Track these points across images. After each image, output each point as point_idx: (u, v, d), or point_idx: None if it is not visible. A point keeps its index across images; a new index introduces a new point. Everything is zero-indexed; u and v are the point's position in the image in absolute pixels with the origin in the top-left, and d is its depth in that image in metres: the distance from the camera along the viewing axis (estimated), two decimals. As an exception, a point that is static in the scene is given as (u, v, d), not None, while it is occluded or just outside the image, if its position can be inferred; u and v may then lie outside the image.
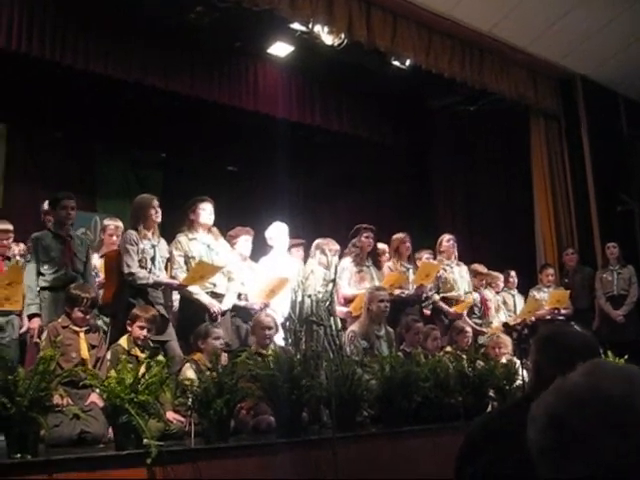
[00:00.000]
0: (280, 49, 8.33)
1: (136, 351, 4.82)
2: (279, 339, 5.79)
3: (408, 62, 8.15)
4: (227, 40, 8.13)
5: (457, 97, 9.63)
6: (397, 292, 6.80)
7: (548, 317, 7.86)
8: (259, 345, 5.46)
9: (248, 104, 8.39)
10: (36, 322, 5.29)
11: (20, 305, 5.82)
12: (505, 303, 8.19)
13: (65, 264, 5.45)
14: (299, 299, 5.59)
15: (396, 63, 8.21)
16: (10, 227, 6.22)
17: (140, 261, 5.39)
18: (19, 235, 6.40)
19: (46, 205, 6.34)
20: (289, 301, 5.78)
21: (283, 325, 5.78)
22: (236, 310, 6.03)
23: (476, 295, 7.67)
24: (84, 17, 7.11)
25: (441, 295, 7.35)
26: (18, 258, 6.22)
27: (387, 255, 7.48)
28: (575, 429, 1.15)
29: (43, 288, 5.38)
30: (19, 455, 3.35)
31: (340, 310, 6.38)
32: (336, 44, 7.41)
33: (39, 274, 5.40)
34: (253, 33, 8.03)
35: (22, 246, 6.39)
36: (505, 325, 6.95)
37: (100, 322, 5.58)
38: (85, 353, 4.78)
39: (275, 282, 6.09)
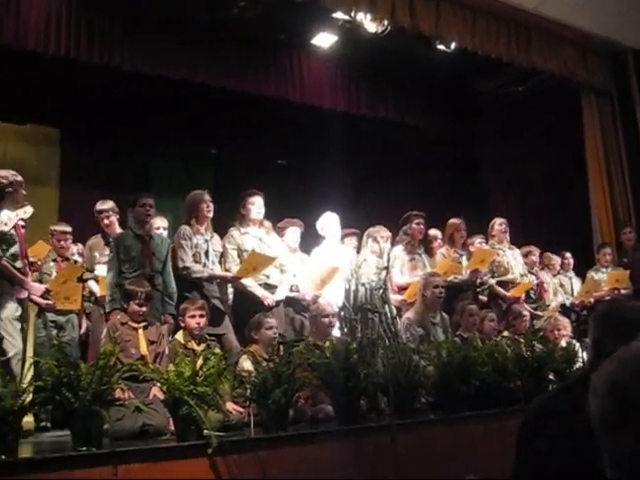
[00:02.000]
0: (324, 39, 8.35)
1: (192, 344, 4.91)
2: (335, 329, 5.81)
3: (453, 45, 8.06)
4: (271, 33, 8.16)
5: (505, 78, 9.50)
6: (451, 278, 6.74)
7: (607, 298, 7.70)
8: (320, 334, 5.47)
9: (294, 96, 8.41)
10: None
11: (79, 305, 5.98)
12: (562, 286, 8.05)
13: (144, 264, 5.55)
14: (353, 288, 5.59)
15: (441, 47, 8.14)
16: (68, 229, 6.37)
17: (194, 255, 5.48)
18: (76, 236, 6.55)
19: (99, 205, 6.47)
20: (342, 291, 5.80)
21: (338, 314, 5.79)
22: (289, 302, 6.08)
23: (532, 277, 7.55)
24: (130, 18, 7.23)
25: (496, 279, 7.26)
26: (76, 258, 6.37)
27: (439, 242, 7.38)
28: (635, 397, 1.13)
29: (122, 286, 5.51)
30: (84, 448, 3.44)
31: (394, 298, 6.36)
32: (379, 31, 7.37)
33: (120, 272, 5.52)
34: (296, 25, 8.06)
35: (80, 246, 6.54)
36: (563, 307, 6.83)
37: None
38: (144, 349, 4.89)
39: (325, 272, 6.10)
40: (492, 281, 7.22)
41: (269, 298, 5.67)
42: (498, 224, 7.51)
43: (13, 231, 5.08)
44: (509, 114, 10.05)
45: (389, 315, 5.74)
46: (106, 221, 6.23)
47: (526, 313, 6.79)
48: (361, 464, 4.22)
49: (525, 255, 7.62)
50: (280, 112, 8.83)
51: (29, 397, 3.45)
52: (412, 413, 4.83)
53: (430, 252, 7.22)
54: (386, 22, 7.24)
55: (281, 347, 5.14)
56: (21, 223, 5.00)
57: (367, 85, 9.01)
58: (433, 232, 7.40)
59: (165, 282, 5.47)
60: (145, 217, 5.67)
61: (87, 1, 7.06)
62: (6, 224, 4.74)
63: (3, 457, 3.24)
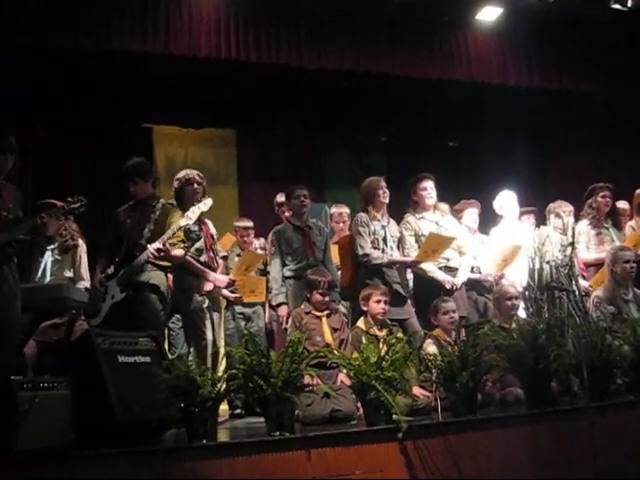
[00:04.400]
0: (489, 13, 8.11)
1: (375, 330, 4.95)
2: (519, 309, 5.63)
3: (630, 2, 7.51)
4: (434, 14, 8.05)
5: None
6: (642, 251, 6.31)
7: None
8: (504, 316, 5.36)
9: (462, 75, 8.21)
10: (284, 310, 5.61)
11: (264, 296, 6.20)
12: None
13: (306, 254, 5.70)
14: (537, 266, 5.38)
15: (616, 6, 7.62)
16: (250, 224, 6.64)
17: (372, 242, 5.51)
18: (257, 230, 6.80)
19: (279, 198, 6.67)
20: (526, 270, 5.60)
21: (522, 294, 5.60)
22: (471, 283, 5.96)
23: None
24: (292, 15, 7.40)
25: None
26: (259, 251, 6.60)
27: (628, 214, 6.94)
28: None
29: (288, 277, 5.69)
30: (278, 433, 3.54)
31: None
32: (546, -5, 7.04)
33: (283, 265, 5.69)
34: (459, 2, 7.88)
35: (262, 240, 6.78)
36: None
37: (341, 306, 5.76)
38: (328, 337, 4.99)
39: (507, 251, 5.94)
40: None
41: (450, 282, 5.59)
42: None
43: (197, 227, 5.35)
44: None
45: (577, 293, 5.46)
46: (287, 213, 6.41)
47: None
48: (555, 449, 4.05)
49: None
50: (447, 93, 8.67)
51: (224, 385, 3.60)
52: (608, 395, 4.57)
53: (618, 225, 6.80)
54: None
55: (464, 330, 5.05)
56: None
57: (537, 55, 8.60)
58: (622, 205, 6.96)
59: (328, 271, 5.56)
60: (301, 208, 5.84)
61: (252, 4, 7.29)
62: (190, 218, 5.00)
63: (204, 441, 3.41)
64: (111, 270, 5.01)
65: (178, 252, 5.04)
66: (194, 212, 5.03)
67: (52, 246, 5.95)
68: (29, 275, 5.92)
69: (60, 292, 5.40)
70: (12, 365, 4.39)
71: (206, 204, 5.13)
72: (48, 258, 5.92)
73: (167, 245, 4.87)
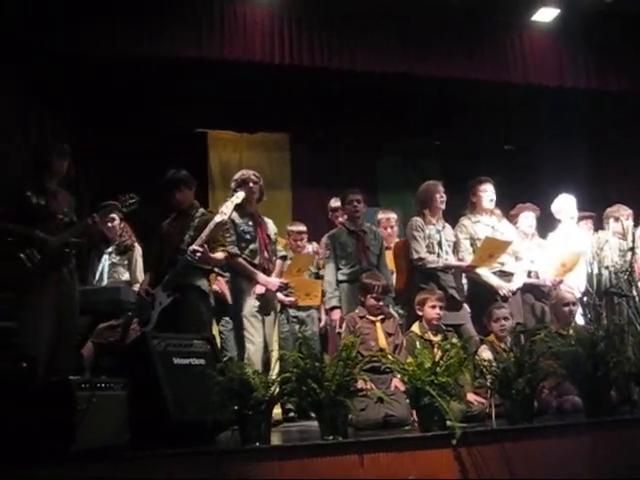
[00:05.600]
0: (545, 14, 7.98)
1: (429, 335, 4.91)
2: (577, 315, 5.52)
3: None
4: (489, 17, 7.95)
5: None
6: None
7: None
8: (561, 322, 5.28)
9: (516, 77, 8.08)
10: (337, 314, 5.59)
11: (319, 300, 6.20)
12: None
13: (360, 258, 5.69)
14: (595, 272, 5.28)
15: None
16: (303, 228, 6.64)
17: (427, 246, 5.48)
18: (310, 235, 6.80)
19: (333, 203, 6.68)
20: (584, 275, 5.49)
21: (580, 300, 5.50)
22: (528, 288, 5.87)
23: None
24: (345, 19, 7.39)
25: None
26: (312, 256, 6.61)
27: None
28: None
29: (341, 281, 5.67)
30: (331, 437, 3.53)
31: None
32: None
33: (337, 269, 5.69)
34: (514, 4, 7.78)
35: (315, 245, 6.79)
36: None
37: (394, 311, 5.73)
38: (382, 341, 4.97)
39: (567, 257, 5.82)
40: None
41: (504, 288, 5.52)
42: None
43: (252, 228, 5.38)
44: None
45: (638, 299, 5.33)
46: (341, 218, 6.41)
47: None
48: (613, 459, 3.93)
49: None
50: (503, 95, 8.55)
51: (277, 388, 3.61)
52: (672, 405, 4.45)
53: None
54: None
55: (521, 335, 4.97)
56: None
57: (595, 57, 8.41)
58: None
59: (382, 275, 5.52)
60: (355, 213, 5.82)
61: (306, 8, 7.32)
62: (224, 213, 5.03)
63: (257, 444, 3.42)
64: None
65: (218, 255, 5.10)
66: (227, 207, 5.07)
67: (109, 249, 6.08)
68: (87, 278, 6.04)
69: (117, 294, 5.51)
70: (71, 365, 4.50)
71: (238, 197, 5.15)
72: (105, 261, 6.05)
73: (205, 246, 4.93)
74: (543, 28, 8.16)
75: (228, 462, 3.26)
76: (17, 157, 6.41)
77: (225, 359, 4.44)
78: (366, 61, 7.47)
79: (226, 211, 5.04)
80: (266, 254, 5.41)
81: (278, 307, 5.90)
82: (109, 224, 6.03)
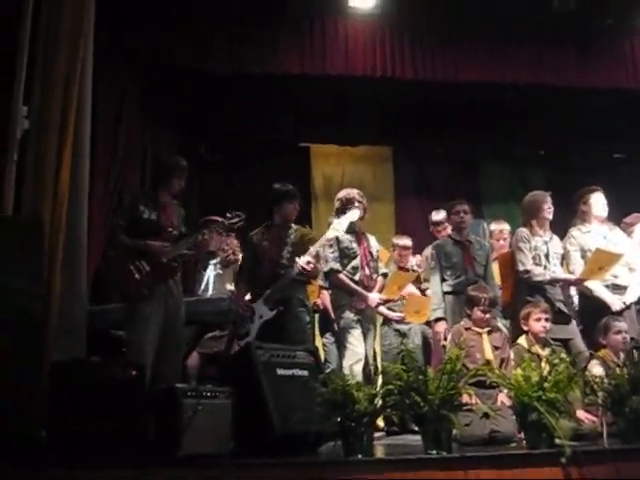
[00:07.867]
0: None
1: (537, 349, 4.79)
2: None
3: None
4: (596, 22, 7.68)
5: None
6: None
7: None
8: (679, 339, 5.01)
9: (629, 83, 7.67)
10: (442, 325, 5.55)
11: (426, 318, 6.11)
12: None
13: (466, 269, 5.62)
14: None
15: None
16: (410, 243, 6.58)
17: (534, 258, 5.35)
18: (413, 248, 6.73)
19: (434, 216, 6.61)
20: None
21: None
22: (641, 302, 5.62)
23: None
24: (447, 31, 7.30)
25: None
26: (415, 268, 6.55)
27: None
28: None
29: (447, 293, 5.63)
30: (435, 452, 3.47)
31: None
32: None
33: (442, 280, 5.63)
34: (624, 7, 7.49)
35: (418, 258, 6.71)
36: None
37: (501, 324, 5.60)
38: (489, 354, 4.86)
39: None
40: None
41: (616, 304, 5.29)
42: None
43: (355, 245, 5.40)
44: None
45: None
46: (443, 232, 6.34)
47: None
48: None
49: None
50: (611, 102, 8.24)
51: (380, 401, 3.58)
52: None
53: None
54: None
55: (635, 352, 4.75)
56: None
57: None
58: None
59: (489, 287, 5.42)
60: (461, 223, 5.79)
61: (407, 22, 7.29)
62: (337, 229, 5.06)
63: (360, 456, 3.40)
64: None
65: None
66: (341, 223, 5.10)
67: (214, 260, 6.21)
68: (193, 288, 6.20)
69: (222, 305, 5.62)
70: (178, 373, 4.62)
71: (353, 214, 5.18)
72: (211, 272, 6.19)
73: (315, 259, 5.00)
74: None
75: (331, 474, 3.26)
76: (137, 171, 6.70)
77: (328, 371, 4.46)
78: (470, 72, 7.35)
79: (339, 227, 5.10)
80: (367, 271, 5.46)
81: (380, 321, 5.87)
82: (214, 239, 6.17)
